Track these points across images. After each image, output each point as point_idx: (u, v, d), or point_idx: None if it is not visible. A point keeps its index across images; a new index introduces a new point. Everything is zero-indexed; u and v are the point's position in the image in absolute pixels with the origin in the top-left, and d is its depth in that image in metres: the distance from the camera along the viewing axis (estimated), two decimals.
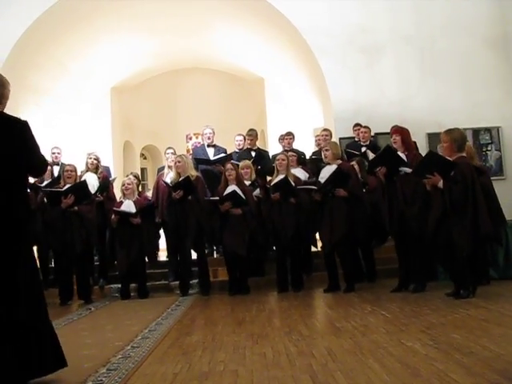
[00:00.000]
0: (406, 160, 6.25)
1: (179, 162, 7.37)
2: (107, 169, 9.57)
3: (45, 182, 7.84)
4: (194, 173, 7.38)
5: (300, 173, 7.65)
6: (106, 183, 8.14)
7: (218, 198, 7.20)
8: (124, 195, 7.70)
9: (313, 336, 4.28)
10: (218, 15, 11.29)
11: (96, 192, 7.77)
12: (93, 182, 7.84)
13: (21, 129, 3.63)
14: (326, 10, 10.25)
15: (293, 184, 7.05)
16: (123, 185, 7.75)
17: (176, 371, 3.46)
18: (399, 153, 6.34)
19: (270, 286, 7.39)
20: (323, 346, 3.88)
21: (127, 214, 7.42)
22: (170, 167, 8.12)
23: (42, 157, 3.80)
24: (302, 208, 7.05)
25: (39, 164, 3.79)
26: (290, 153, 8.00)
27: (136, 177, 8.91)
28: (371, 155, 7.60)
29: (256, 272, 7.75)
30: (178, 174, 7.33)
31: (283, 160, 7.22)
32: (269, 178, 7.82)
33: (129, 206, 7.54)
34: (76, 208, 7.21)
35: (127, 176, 8.88)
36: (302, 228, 7.08)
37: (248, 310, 5.85)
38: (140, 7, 10.75)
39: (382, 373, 3.10)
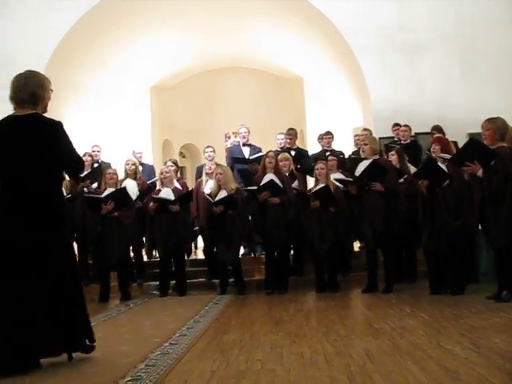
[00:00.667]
0: (446, 170, 6.17)
1: (220, 174, 7.35)
2: (151, 168, 9.65)
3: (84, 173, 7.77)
4: (233, 185, 7.36)
5: (339, 177, 7.59)
6: (145, 190, 8.14)
7: (255, 187, 7.20)
8: (162, 183, 7.72)
9: (350, 336, 4.26)
10: (258, 14, 11.32)
11: (136, 199, 7.75)
12: (132, 189, 7.79)
13: (55, 129, 3.80)
14: (366, 9, 10.21)
15: (333, 193, 7.01)
16: (161, 173, 7.74)
17: (213, 369, 3.48)
18: (439, 163, 6.25)
19: (308, 285, 7.36)
20: (361, 346, 3.85)
21: (166, 201, 7.41)
22: (208, 174, 8.09)
23: (77, 155, 3.96)
24: (341, 217, 7.02)
25: (74, 162, 3.96)
26: (329, 157, 7.96)
27: (175, 163, 8.92)
28: None
29: (295, 271, 7.74)
30: (219, 186, 7.35)
31: (322, 169, 7.17)
32: (309, 187, 7.77)
33: (167, 194, 7.52)
34: (116, 214, 7.25)
35: (165, 163, 8.90)
36: (340, 237, 7.05)
37: (285, 310, 5.85)
38: (182, 5, 10.84)
39: (420, 375, 3.07)
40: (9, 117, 3.85)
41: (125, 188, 7.47)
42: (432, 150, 6.39)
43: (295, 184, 7.54)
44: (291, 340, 4.23)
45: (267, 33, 12.16)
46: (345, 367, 3.33)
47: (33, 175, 3.72)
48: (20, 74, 3.87)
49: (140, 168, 8.67)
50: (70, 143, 3.87)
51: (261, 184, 7.15)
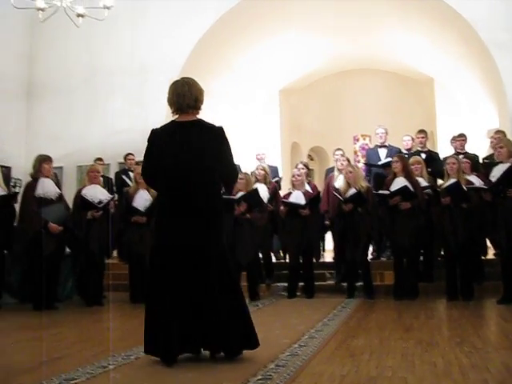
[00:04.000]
0: None
1: (350, 172, 7.35)
2: (275, 169, 9.81)
3: None
4: (364, 184, 7.32)
5: (474, 180, 7.30)
6: (275, 194, 8.26)
7: (387, 191, 7.09)
8: (293, 186, 7.79)
9: (487, 349, 4.06)
10: (387, 15, 11.13)
11: (267, 202, 7.87)
12: (263, 194, 7.89)
13: (217, 134, 3.94)
14: (504, 3, 9.67)
15: (465, 188, 6.76)
16: (293, 176, 7.83)
17: (343, 373, 3.46)
18: None
19: (438, 292, 7.13)
20: (499, 360, 3.67)
21: (296, 206, 7.50)
22: (339, 170, 8.11)
23: (234, 164, 4.09)
24: (474, 213, 6.74)
25: (231, 170, 4.09)
26: (463, 159, 7.67)
27: (306, 166, 9.01)
28: None
29: (424, 277, 7.53)
30: (348, 184, 7.33)
31: (454, 164, 6.94)
32: (439, 182, 7.55)
33: (298, 197, 7.58)
34: (248, 215, 7.40)
35: (296, 166, 9.01)
36: (473, 235, 6.76)
37: (415, 317, 5.70)
38: (311, 6, 10.88)
39: None
40: (172, 122, 4.02)
41: (257, 189, 7.62)
42: None
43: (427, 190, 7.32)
44: (423, 348, 4.12)
45: (396, 33, 11.92)
46: (482, 382, 3.18)
47: (194, 178, 3.85)
48: (179, 81, 4.02)
49: (266, 163, 8.86)
50: (230, 150, 4.00)
51: (393, 189, 7.03)
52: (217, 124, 3.97)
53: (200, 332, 3.77)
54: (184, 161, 3.85)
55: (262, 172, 8.35)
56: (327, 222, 7.99)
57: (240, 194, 7.46)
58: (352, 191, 7.23)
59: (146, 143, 4.01)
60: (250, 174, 8.00)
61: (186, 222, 3.81)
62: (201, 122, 3.98)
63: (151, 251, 4.08)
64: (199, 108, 4.01)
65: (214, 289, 3.79)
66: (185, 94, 3.92)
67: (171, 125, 4.00)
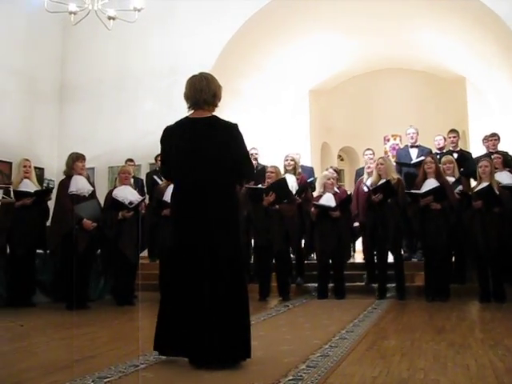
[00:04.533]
0: None
1: (381, 164, 7.34)
2: (310, 169, 9.78)
3: None
4: (395, 175, 7.31)
5: (506, 176, 7.20)
6: (305, 185, 8.29)
7: (418, 191, 7.03)
8: (324, 188, 7.79)
9: None
10: (418, 15, 11.03)
11: (296, 194, 7.93)
12: (291, 184, 7.95)
13: (231, 131, 3.80)
14: None
15: (497, 192, 6.66)
16: (328, 178, 7.81)
17: (374, 375, 3.44)
18: None
19: (470, 294, 7.04)
20: None
21: (327, 208, 7.50)
22: (368, 174, 8.07)
23: (250, 161, 3.95)
24: (506, 217, 6.64)
25: (247, 164, 3.92)
26: (494, 155, 7.57)
27: (335, 170, 9.00)
28: None
29: (456, 278, 7.44)
30: (379, 176, 7.30)
31: (486, 167, 6.85)
32: (472, 185, 7.45)
33: (328, 200, 7.60)
34: (277, 206, 7.43)
35: (327, 169, 9.01)
36: (506, 239, 6.66)
37: (447, 318, 5.64)
38: (340, 8, 10.85)
39: None
40: (185, 118, 3.89)
41: (285, 178, 7.63)
42: None
43: (459, 188, 7.25)
44: (455, 351, 4.07)
45: (427, 33, 11.80)
46: None
47: (208, 175, 3.72)
48: (196, 76, 3.88)
49: (300, 163, 8.85)
50: (245, 146, 3.86)
51: (425, 190, 6.96)
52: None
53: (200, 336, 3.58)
54: (195, 159, 3.73)
55: (292, 162, 8.34)
56: (357, 224, 7.93)
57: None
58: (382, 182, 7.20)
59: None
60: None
61: (198, 222, 3.68)
62: (215, 118, 3.83)
63: (167, 251, 3.95)
64: (216, 105, 3.86)
65: (219, 293, 3.63)
66: (202, 89, 3.78)
67: (184, 121, 3.88)
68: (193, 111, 3.86)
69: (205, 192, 3.70)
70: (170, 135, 3.86)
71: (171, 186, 7.28)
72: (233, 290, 3.68)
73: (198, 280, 3.63)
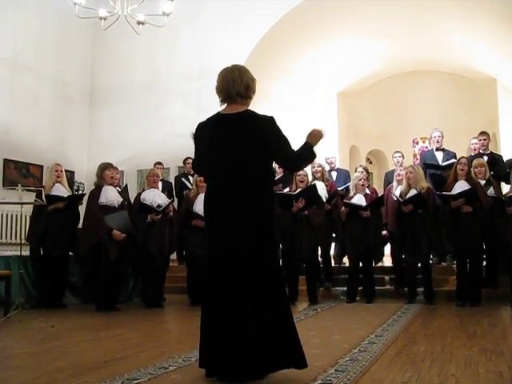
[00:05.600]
0: None
1: (411, 172, 7.28)
2: (346, 173, 9.69)
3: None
4: (425, 184, 7.24)
5: None
6: (335, 192, 8.24)
7: (449, 193, 6.94)
8: (356, 188, 7.74)
9: None
10: (447, 16, 10.92)
11: (326, 201, 7.85)
12: (320, 191, 7.84)
13: (267, 124, 3.53)
14: None
15: None
16: (360, 179, 7.77)
17: (404, 380, 3.40)
18: None
19: (502, 299, 6.94)
20: None
21: (357, 207, 7.46)
22: (398, 181, 8.01)
23: (292, 150, 3.61)
24: None
25: (291, 155, 3.62)
26: None
27: (365, 169, 8.94)
28: None
29: (488, 283, 7.32)
30: (409, 186, 7.23)
31: None
32: (503, 187, 7.35)
33: (359, 200, 7.57)
34: (306, 212, 7.39)
35: (356, 170, 8.95)
36: None
37: (479, 324, 5.56)
38: (368, 11, 10.80)
39: None
40: (217, 115, 3.65)
41: (315, 185, 7.61)
42: None
43: (490, 191, 7.15)
44: (487, 357, 4.00)
45: (456, 34, 11.68)
46: None
47: (242, 178, 3.46)
48: (228, 67, 3.65)
49: (327, 168, 8.82)
50: (285, 138, 3.58)
51: (456, 192, 6.88)
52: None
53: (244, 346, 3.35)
54: (228, 159, 3.48)
55: (320, 169, 8.32)
56: (385, 232, 7.83)
57: (299, 190, 7.45)
58: (412, 192, 7.13)
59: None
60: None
61: (231, 222, 3.43)
62: (249, 112, 3.56)
63: (206, 256, 3.71)
64: (250, 97, 3.62)
65: (258, 296, 3.41)
66: (234, 80, 3.54)
67: (216, 117, 3.63)
68: (225, 105, 3.63)
69: (239, 195, 3.45)
70: (202, 132, 3.65)
71: (201, 196, 7.37)
72: (276, 298, 3.50)
73: (241, 293, 3.39)
